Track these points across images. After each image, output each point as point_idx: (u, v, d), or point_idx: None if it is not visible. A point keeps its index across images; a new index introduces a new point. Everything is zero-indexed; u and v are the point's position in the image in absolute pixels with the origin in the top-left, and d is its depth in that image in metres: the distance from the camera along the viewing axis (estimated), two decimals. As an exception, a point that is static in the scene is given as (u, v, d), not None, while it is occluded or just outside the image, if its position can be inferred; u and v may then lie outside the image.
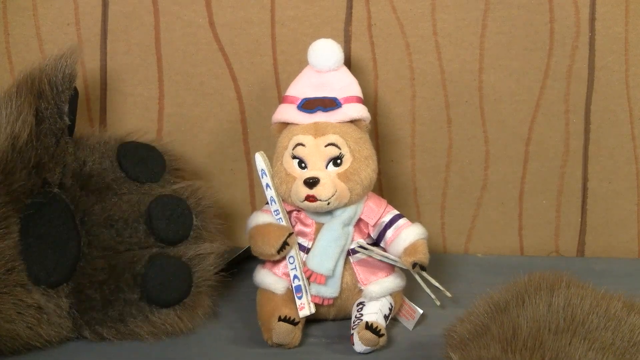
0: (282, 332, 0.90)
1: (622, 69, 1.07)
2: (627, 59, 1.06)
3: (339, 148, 0.92)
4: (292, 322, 0.90)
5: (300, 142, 0.92)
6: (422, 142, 1.09)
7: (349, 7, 1.06)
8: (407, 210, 1.08)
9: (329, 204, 0.91)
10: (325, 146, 0.92)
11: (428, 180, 1.10)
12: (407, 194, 1.10)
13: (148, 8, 1.06)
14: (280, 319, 0.90)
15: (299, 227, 0.94)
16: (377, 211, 0.95)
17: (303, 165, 0.92)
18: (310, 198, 0.91)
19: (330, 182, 0.91)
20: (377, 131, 1.09)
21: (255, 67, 1.07)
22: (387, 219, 0.94)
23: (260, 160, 0.94)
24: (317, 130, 0.93)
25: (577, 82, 1.07)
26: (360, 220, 0.94)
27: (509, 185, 1.10)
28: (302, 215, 0.94)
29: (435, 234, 1.11)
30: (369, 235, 0.95)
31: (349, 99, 0.95)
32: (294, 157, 0.93)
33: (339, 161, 0.92)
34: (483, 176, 1.10)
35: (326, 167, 0.92)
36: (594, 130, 1.09)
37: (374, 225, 0.94)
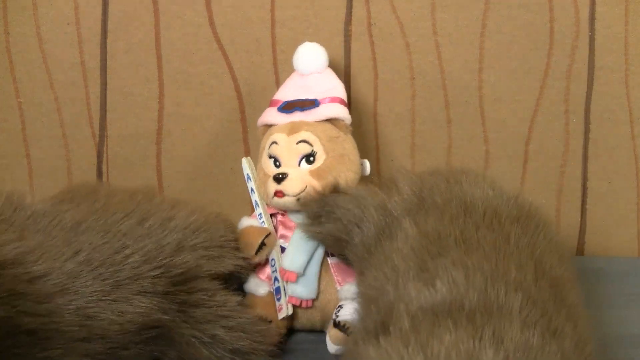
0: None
1: (622, 69, 1.07)
2: (627, 59, 1.07)
3: (311, 145, 0.92)
4: (269, 322, 0.90)
5: (274, 140, 0.93)
6: (422, 142, 1.09)
7: (349, 7, 1.06)
8: (407, 209, 1.09)
9: (298, 199, 0.91)
10: (297, 143, 0.92)
11: (428, 180, 1.10)
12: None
13: (148, 7, 1.06)
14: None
15: (281, 230, 0.94)
16: None
17: (277, 164, 0.93)
18: (278, 193, 0.91)
19: (299, 178, 0.91)
20: (377, 131, 1.09)
21: (255, 67, 1.07)
22: None
23: (246, 166, 0.95)
24: (292, 128, 0.93)
25: (576, 82, 1.07)
26: None
27: (508, 185, 1.10)
28: (285, 219, 0.94)
29: (435, 233, 1.11)
30: None
31: (330, 100, 0.95)
32: (270, 157, 0.93)
33: (311, 158, 0.92)
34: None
35: (299, 165, 0.92)
36: (594, 130, 1.09)
37: None
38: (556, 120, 1.08)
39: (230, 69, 1.07)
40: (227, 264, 0.89)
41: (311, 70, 0.97)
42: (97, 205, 0.86)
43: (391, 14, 1.06)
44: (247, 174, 0.95)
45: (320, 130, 0.93)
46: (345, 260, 0.90)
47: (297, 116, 0.94)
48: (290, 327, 0.93)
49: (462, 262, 0.72)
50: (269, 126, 0.95)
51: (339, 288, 0.92)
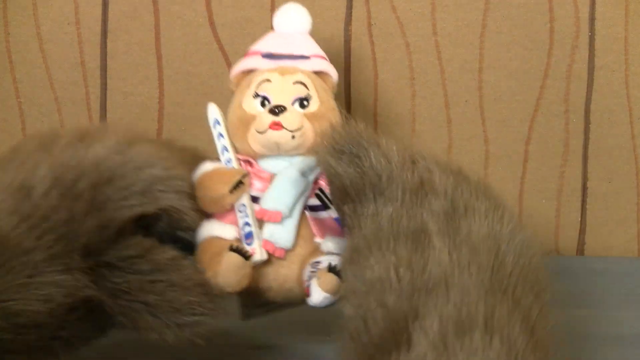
0: (231, 263, 0.78)
1: (622, 69, 1.07)
2: (627, 59, 1.07)
3: (307, 88, 0.84)
4: (245, 256, 0.78)
5: (266, 78, 0.84)
6: (422, 142, 1.09)
7: (349, 7, 1.06)
8: (407, 209, 1.09)
9: (293, 137, 0.82)
10: (293, 83, 0.84)
11: (428, 180, 1.10)
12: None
13: (148, 7, 1.06)
14: (232, 249, 0.78)
15: (254, 180, 0.84)
16: None
17: (267, 103, 0.83)
18: (275, 125, 0.82)
19: (298, 116, 0.83)
20: (377, 131, 1.08)
21: (255, 67, 1.07)
22: None
23: (214, 110, 0.86)
24: (284, 70, 0.85)
25: (576, 81, 1.07)
26: (316, 183, 0.84)
27: (508, 185, 1.10)
28: (257, 169, 0.84)
29: (435, 233, 1.11)
30: None
31: (319, 57, 0.88)
32: (257, 96, 0.84)
33: (305, 102, 0.84)
34: (483, 175, 1.10)
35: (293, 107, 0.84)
36: (594, 130, 1.09)
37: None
38: (556, 120, 1.08)
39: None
40: (163, 203, 0.79)
41: (296, 29, 0.88)
42: None
43: (391, 14, 1.06)
44: (216, 119, 0.85)
45: (315, 78, 0.85)
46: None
47: (286, 62, 0.86)
48: (247, 289, 0.81)
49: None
50: (246, 74, 0.86)
51: (319, 240, 0.83)
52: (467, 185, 0.80)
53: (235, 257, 0.78)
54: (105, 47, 1.07)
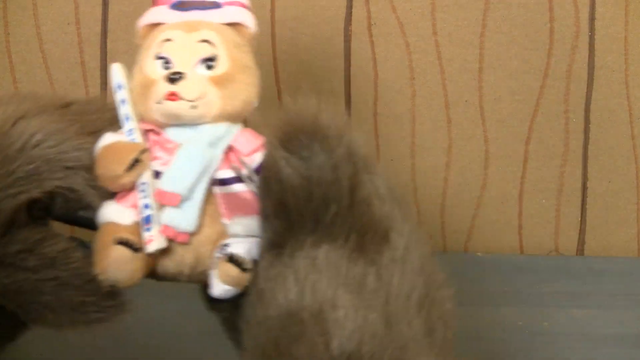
0: (118, 258, 0.70)
1: (622, 69, 1.07)
2: (627, 59, 1.07)
3: (214, 47, 0.75)
4: (134, 249, 0.70)
5: (167, 37, 0.75)
6: (422, 142, 1.09)
7: (349, 6, 1.06)
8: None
9: (194, 107, 0.73)
10: (197, 42, 0.75)
11: (428, 180, 1.10)
12: (407, 194, 1.10)
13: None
14: (118, 242, 0.70)
15: (157, 152, 0.75)
16: (254, 142, 0.74)
17: (168, 66, 0.75)
18: (171, 95, 0.73)
19: (198, 82, 0.73)
20: (377, 131, 1.09)
21: (255, 66, 1.07)
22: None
23: (118, 73, 0.76)
24: (190, 26, 0.75)
25: (576, 81, 1.07)
26: (231, 149, 0.74)
27: (508, 185, 1.10)
28: (162, 138, 0.75)
29: (435, 233, 1.11)
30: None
31: (234, 3, 0.78)
32: (159, 58, 0.75)
33: (212, 63, 0.74)
34: (483, 175, 1.10)
35: (196, 69, 0.74)
36: (594, 129, 1.09)
37: (247, 157, 0.74)
38: (556, 120, 1.08)
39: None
40: (50, 184, 0.71)
41: None
42: None
43: (391, 14, 1.06)
44: (119, 83, 0.76)
45: (224, 33, 0.76)
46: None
47: (195, 15, 0.76)
48: (151, 274, 0.75)
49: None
50: (153, 27, 0.77)
51: (227, 222, 0.74)
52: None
53: (122, 250, 0.71)
54: (105, 47, 1.07)
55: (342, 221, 0.67)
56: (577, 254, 1.12)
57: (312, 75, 1.06)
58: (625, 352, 0.89)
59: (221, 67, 0.74)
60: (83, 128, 0.75)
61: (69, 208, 0.74)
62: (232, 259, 0.70)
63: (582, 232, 1.12)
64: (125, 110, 0.75)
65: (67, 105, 0.77)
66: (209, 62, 0.74)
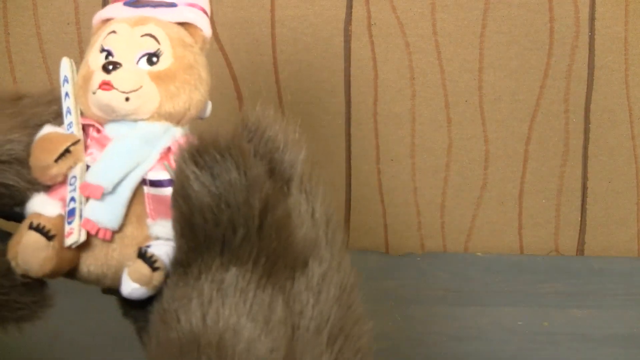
0: (30, 244, 0.67)
1: (622, 69, 1.07)
2: (626, 59, 1.07)
3: (158, 43, 0.73)
4: (47, 235, 0.68)
5: (112, 29, 0.74)
6: (422, 142, 1.09)
7: (349, 6, 1.06)
8: (407, 209, 1.09)
9: (127, 99, 0.71)
10: (141, 36, 0.73)
11: (428, 180, 1.10)
12: (407, 194, 1.10)
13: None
14: (31, 227, 0.68)
15: (93, 148, 0.73)
16: None
17: (110, 58, 0.73)
18: (105, 85, 0.70)
19: (134, 73, 0.72)
20: (377, 131, 1.09)
21: (255, 66, 1.07)
22: None
23: (66, 66, 0.75)
24: (136, 21, 0.74)
25: (576, 81, 1.07)
26: (169, 151, 0.71)
27: (508, 185, 1.10)
28: (102, 135, 0.73)
29: (435, 233, 1.11)
30: None
31: (191, 4, 0.76)
32: (103, 50, 0.74)
33: (154, 59, 0.72)
34: (483, 175, 1.10)
35: (137, 63, 0.73)
36: (594, 129, 1.09)
37: None
38: (556, 120, 1.09)
39: (230, 69, 1.07)
40: None
41: None
42: None
43: (391, 14, 1.06)
44: (65, 76, 0.74)
45: (172, 31, 0.74)
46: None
47: (147, 12, 0.75)
48: (74, 274, 0.72)
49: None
50: (105, 22, 0.76)
51: (150, 222, 0.72)
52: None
53: (34, 236, 0.68)
54: (105, 47, 1.07)
55: (251, 245, 0.63)
56: (577, 254, 1.12)
57: (312, 75, 1.06)
58: (625, 352, 0.89)
59: (163, 63, 0.72)
60: (27, 121, 0.73)
61: (3, 205, 0.71)
62: (144, 256, 0.67)
63: (582, 232, 1.12)
64: (67, 104, 0.73)
65: (18, 98, 0.75)
66: (152, 57, 0.72)
